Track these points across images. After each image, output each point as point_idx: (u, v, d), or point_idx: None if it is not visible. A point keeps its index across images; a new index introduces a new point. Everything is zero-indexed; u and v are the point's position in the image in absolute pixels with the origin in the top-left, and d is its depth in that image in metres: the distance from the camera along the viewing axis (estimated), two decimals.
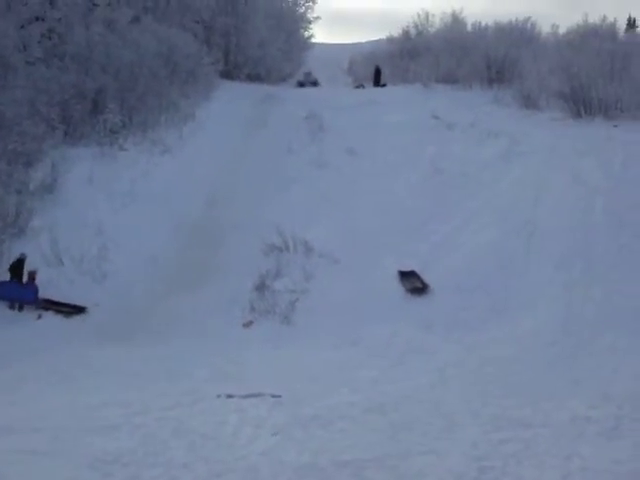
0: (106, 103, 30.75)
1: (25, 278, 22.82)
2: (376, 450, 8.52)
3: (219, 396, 12.23)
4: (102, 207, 25.80)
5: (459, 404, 10.74)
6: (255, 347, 18.64)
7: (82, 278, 23.87)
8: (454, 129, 30.38)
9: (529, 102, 34.34)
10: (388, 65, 49.13)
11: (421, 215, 24.36)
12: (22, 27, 33.01)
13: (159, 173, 27.99)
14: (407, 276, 21.76)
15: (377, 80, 46.85)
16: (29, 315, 22.00)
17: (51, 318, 21.92)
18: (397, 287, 21.44)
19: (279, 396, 12.07)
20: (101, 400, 12.16)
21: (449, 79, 41.55)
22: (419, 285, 21.31)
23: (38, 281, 22.66)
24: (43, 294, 22.72)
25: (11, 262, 23.21)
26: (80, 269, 24.06)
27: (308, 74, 50.83)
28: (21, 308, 22.34)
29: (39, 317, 22.02)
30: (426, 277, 21.49)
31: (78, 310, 22.47)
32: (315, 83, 49.39)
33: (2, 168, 26.31)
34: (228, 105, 34.81)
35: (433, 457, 8.01)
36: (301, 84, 48.59)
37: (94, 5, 37.06)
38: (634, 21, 59.18)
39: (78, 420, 10.72)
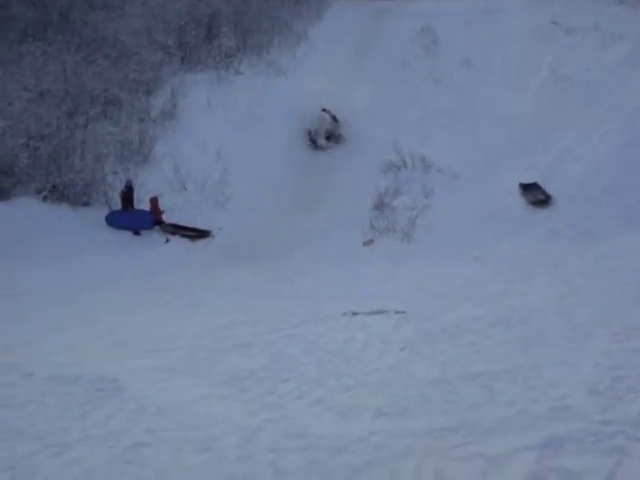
0: (220, 27, 30.86)
1: (135, 204, 23.49)
2: (505, 362, 8.49)
3: (344, 314, 12.35)
4: (221, 131, 26.09)
5: (589, 315, 10.55)
6: (376, 265, 18.71)
7: (205, 202, 24.35)
8: (575, 34, 29.17)
9: None
10: None
11: (542, 125, 23.67)
12: None
13: (275, 95, 28.01)
14: (529, 188, 21.32)
15: None
16: (157, 239, 22.64)
17: (178, 242, 22.52)
18: (519, 200, 21.06)
19: (403, 312, 12.12)
20: (231, 320, 12.46)
21: None
22: (542, 197, 20.87)
23: (164, 206, 23.26)
24: (169, 219, 23.33)
25: (120, 190, 23.88)
26: (203, 194, 24.54)
27: None
28: (137, 233, 23.03)
29: (167, 241, 22.65)
30: (549, 188, 21.01)
31: (203, 234, 23.01)
32: None
33: (124, 97, 26.88)
34: (340, 23, 34.33)
35: (565, 368, 7.92)
36: None
37: None
38: None
39: (211, 339, 11.04)
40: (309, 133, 26.48)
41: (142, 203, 23.50)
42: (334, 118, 26.77)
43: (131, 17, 30.19)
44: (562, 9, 31.14)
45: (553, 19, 31.14)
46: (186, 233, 23.04)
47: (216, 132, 26.06)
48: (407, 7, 32.70)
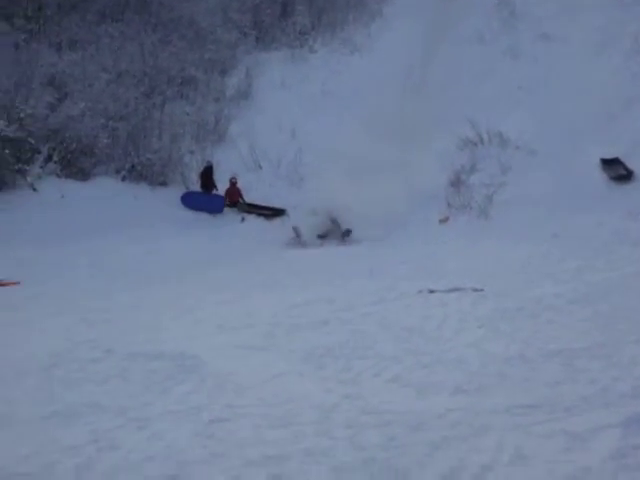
0: (295, 5, 30.85)
1: (213, 184, 23.75)
2: (586, 340, 8.37)
3: (421, 291, 12.31)
4: (295, 110, 26.16)
5: None
6: (453, 242, 18.59)
7: (280, 181, 24.48)
8: None
9: None
10: None
11: (624, 98, 23.06)
12: None
13: (349, 73, 27.93)
14: (610, 163, 20.87)
15: None
16: (233, 219, 22.86)
17: (253, 221, 22.70)
18: (600, 176, 20.66)
19: (481, 290, 12.03)
20: (307, 298, 12.52)
21: None
22: (623, 172, 20.43)
23: (241, 185, 23.47)
24: (245, 198, 23.53)
25: (200, 170, 24.14)
26: (277, 173, 24.66)
27: None
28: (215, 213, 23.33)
29: (242, 220, 22.87)
30: (631, 163, 20.55)
31: (278, 212, 23.14)
32: None
33: (200, 77, 27.12)
34: None
35: None
36: None
37: None
38: None
39: (288, 317, 11.10)
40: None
41: (220, 183, 23.75)
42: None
43: None
44: None
45: None
46: (262, 212, 23.20)
47: (290, 111, 26.13)
48: None
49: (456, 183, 21.99)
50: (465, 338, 9.16)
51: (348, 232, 21.46)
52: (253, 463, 5.61)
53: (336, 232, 21.75)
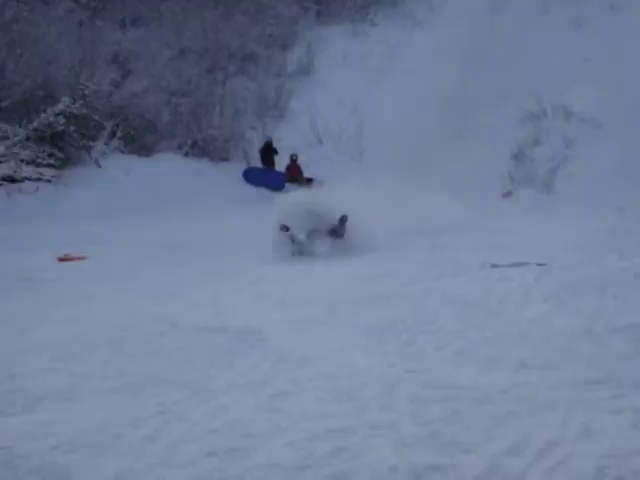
0: None
1: (272, 159, 23.78)
2: None
3: (483, 266, 12.23)
4: (356, 85, 26.09)
5: None
6: (515, 217, 18.42)
7: (340, 157, 24.46)
8: None
9: None
10: None
11: None
12: None
13: (410, 47, 27.74)
14: None
15: None
16: None
17: None
18: None
19: (545, 264, 11.90)
20: (369, 273, 12.53)
21: None
22: None
23: (301, 161, 23.52)
24: (306, 174, 23.59)
25: (260, 146, 24.23)
26: (338, 148, 24.63)
27: None
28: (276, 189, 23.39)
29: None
30: None
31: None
32: None
33: (261, 53, 27.17)
34: None
35: None
36: None
37: None
38: None
39: (350, 292, 11.12)
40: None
41: (281, 159, 23.83)
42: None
43: None
44: None
45: None
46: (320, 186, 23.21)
47: (351, 85, 26.08)
48: None
49: (519, 157, 21.76)
50: (529, 313, 9.08)
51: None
52: (317, 436, 5.64)
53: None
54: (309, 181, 23.32)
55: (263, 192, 23.14)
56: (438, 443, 5.42)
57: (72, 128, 23.01)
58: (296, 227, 14.63)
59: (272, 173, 23.78)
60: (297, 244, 14.74)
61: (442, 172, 21.31)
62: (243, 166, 24.45)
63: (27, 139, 22.88)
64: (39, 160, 22.82)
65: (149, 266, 14.43)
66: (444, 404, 6.16)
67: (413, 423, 5.82)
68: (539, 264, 11.92)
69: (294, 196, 16.41)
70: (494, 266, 12.12)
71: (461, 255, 13.61)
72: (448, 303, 9.97)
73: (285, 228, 14.75)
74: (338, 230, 14.87)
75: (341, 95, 25.55)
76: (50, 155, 23.01)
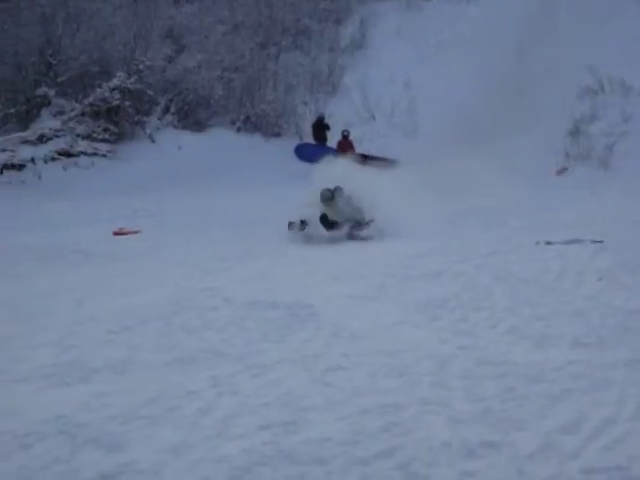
0: None
1: (324, 135, 23.70)
2: None
3: (537, 243, 12.10)
4: (410, 60, 25.88)
5: None
6: (570, 194, 18.16)
7: (393, 132, 24.32)
8: None
9: None
10: None
11: None
12: None
13: (465, 21, 27.38)
14: None
15: None
16: None
17: None
18: None
19: (600, 242, 11.74)
20: (420, 249, 12.46)
21: None
22: None
23: (353, 137, 23.43)
24: (358, 149, 23.48)
25: (313, 122, 24.16)
26: (391, 123, 24.49)
27: None
28: None
29: None
30: None
31: (391, 163, 23.00)
32: None
33: (314, 27, 27.07)
34: None
35: None
36: None
37: None
38: None
39: (401, 268, 11.09)
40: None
41: (333, 134, 23.75)
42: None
43: None
44: None
45: None
46: (375, 163, 23.10)
47: (404, 60, 25.87)
48: None
49: (575, 133, 21.42)
50: (584, 290, 8.98)
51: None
52: (369, 411, 5.66)
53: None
54: (364, 157, 23.22)
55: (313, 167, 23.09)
56: (491, 420, 5.40)
57: (127, 103, 23.21)
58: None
59: (323, 150, 23.73)
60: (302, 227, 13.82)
61: (497, 149, 21.07)
62: (295, 141, 24.46)
63: (83, 114, 23.14)
64: (94, 135, 23.07)
65: (201, 240, 14.52)
66: (497, 381, 6.14)
67: (466, 400, 5.81)
68: (595, 241, 11.76)
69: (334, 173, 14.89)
70: (548, 243, 11.99)
71: (515, 232, 13.48)
72: (501, 280, 9.90)
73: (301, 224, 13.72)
74: (358, 227, 13.94)
75: (394, 70, 25.37)
76: (105, 130, 23.24)
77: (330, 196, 13.98)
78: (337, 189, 14.17)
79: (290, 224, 13.67)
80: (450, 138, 22.18)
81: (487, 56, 25.38)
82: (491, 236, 13.39)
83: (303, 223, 13.60)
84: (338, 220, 13.83)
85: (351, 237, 13.83)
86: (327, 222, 13.74)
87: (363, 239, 13.73)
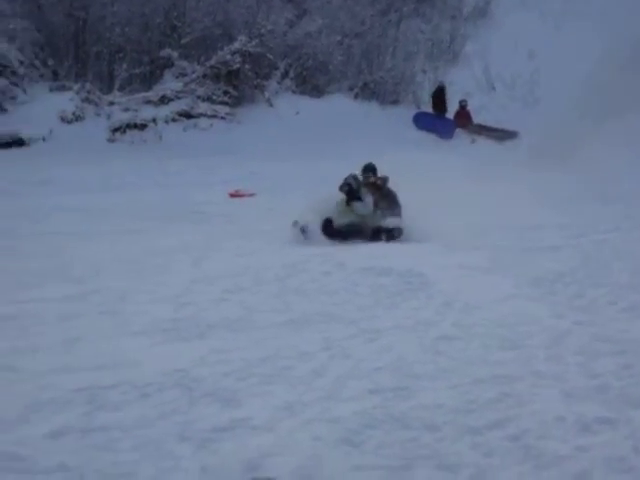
0: None
1: (445, 106, 23.41)
2: None
3: None
4: (534, 29, 25.32)
5: None
6: None
7: (513, 104, 23.89)
8: None
9: None
10: None
11: None
12: None
13: None
14: None
15: None
16: (463, 141, 22.62)
17: (484, 143, 22.34)
18: None
19: None
20: (537, 222, 12.29)
21: None
22: None
23: (470, 108, 23.12)
24: (476, 120, 23.19)
25: (433, 90, 23.89)
26: (512, 94, 24.06)
27: None
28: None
29: (473, 141, 22.59)
30: None
31: (510, 135, 22.63)
32: None
33: None
34: None
35: None
36: None
37: None
38: None
39: (516, 241, 10.97)
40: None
41: (451, 104, 23.49)
42: None
43: None
44: None
45: None
46: (493, 134, 22.80)
47: (529, 30, 25.32)
48: None
49: None
50: None
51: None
52: (482, 381, 5.63)
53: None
54: (481, 128, 22.95)
55: (431, 137, 22.93)
56: (608, 396, 5.31)
57: (247, 67, 23.43)
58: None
59: (442, 120, 23.48)
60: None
61: (626, 125, 20.46)
62: (412, 110, 24.28)
63: (204, 76, 23.45)
64: (214, 97, 23.38)
65: None
66: (614, 357, 6.03)
67: (581, 375, 5.73)
68: None
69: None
70: None
71: (637, 208, 13.13)
72: (621, 257, 9.70)
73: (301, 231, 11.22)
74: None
75: (517, 40, 24.85)
76: (225, 93, 23.52)
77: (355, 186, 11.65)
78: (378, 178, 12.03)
79: (295, 223, 11.32)
80: (574, 112, 21.66)
81: (618, 28, 24.60)
82: (612, 212, 13.11)
83: (303, 231, 11.21)
84: (355, 221, 11.33)
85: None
86: (331, 230, 11.22)
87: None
